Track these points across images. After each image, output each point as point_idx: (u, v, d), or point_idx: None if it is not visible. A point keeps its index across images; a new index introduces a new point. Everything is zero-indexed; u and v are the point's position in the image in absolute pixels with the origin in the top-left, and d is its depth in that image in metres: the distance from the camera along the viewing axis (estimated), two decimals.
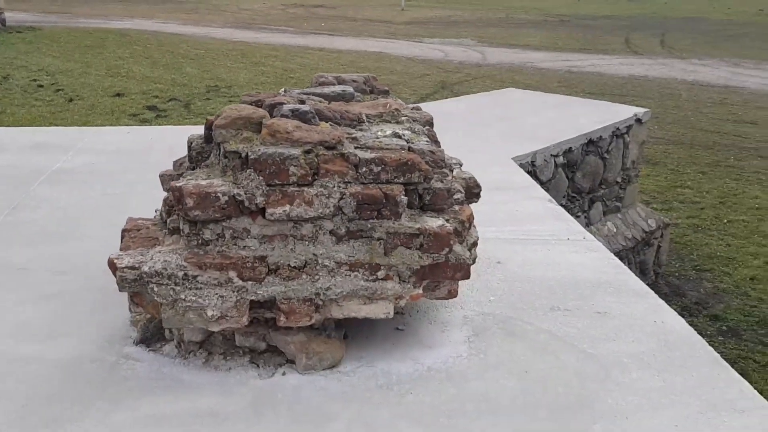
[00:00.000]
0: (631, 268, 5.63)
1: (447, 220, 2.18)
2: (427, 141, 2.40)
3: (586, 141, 5.29)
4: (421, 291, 2.12)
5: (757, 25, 29.64)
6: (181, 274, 1.97)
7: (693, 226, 7.12)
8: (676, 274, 6.09)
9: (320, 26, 25.66)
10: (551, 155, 4.94)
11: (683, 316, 5.34)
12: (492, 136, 5.10)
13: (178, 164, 2.62)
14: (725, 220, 7.27)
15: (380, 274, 2.05)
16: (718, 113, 12.53)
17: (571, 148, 5.13)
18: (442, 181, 2.24)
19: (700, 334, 5.01)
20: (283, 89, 2.66)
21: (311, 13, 31.12)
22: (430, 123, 2.66)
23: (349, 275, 2.03)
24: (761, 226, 7.09)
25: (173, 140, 4.25)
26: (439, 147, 2.43)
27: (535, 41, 23.04)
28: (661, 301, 2.60)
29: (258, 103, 2.35)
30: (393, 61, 17.75)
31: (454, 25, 27.46)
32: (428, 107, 6.70)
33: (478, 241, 2.47)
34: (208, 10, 30.06)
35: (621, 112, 5.88)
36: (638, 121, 5.83)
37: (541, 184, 4.74)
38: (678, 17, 32.46)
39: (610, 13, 34.15)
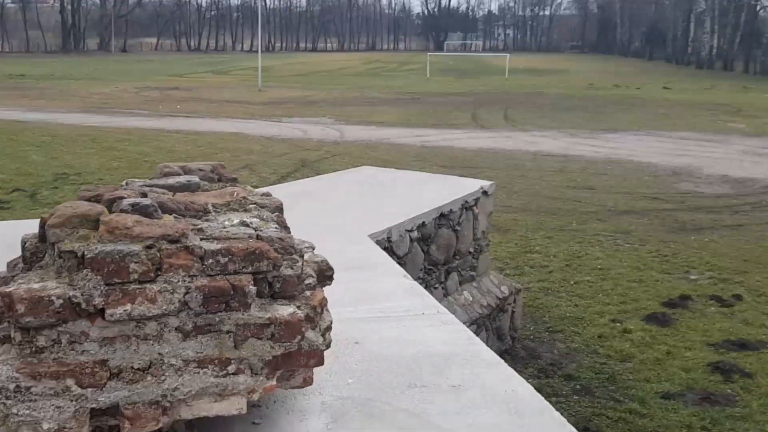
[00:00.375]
0: (489, 335, 5.85)
1: (298, 307, 2.18)
2: (276, 228, 2.41)
3: (438, 215, 5.50)
4: (274, 382, 2.09)
5: (588, 98, 32.49)
6: (12, 386, 1.83)
7: (543, 289, 7.51)
8: (531, 337, 6.37)
9: (176, 108, 25.39)
10: (406, 230, 5.09)
11: (540, 378, 5.59)
12: (349, 214, 5.19)
13: (12, 265, 2.47)
14: (572, 282, 7.74)
15: (231, 368, 2.00)
16: (560, 181, 13.49)
17: (424, 222, 5.32)
18: (292, 268, 2.25)
19: (555, 394, 5.23)
20: (124, 182, 2.60)
21: (166, 95, 30.76)
22: (279, 209, 2.68)
23: (198, 372, 1.97)
24: (604, 285, 7.61)
25: (17, 235, 3.99)
26: (289, 233, 2.45)
27: (390, 118, 23.98)
28: (511, 370, 2.70)
29: (96, 198, 2.28)
30: (252, 141, 17.82)
31: (312, 105, 28.08)
32: (288, 187, 6.75)
33: (336, 323, 2.49)
34: (54, 96, 28.96)
35: (468, 186, 6.19)
36: (485, 193, 6.16)
37: (398, 259, 4.86)
38: (518, 93, 34.98)
39: (456, 90, 36.24)
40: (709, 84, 44.17)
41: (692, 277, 7.93)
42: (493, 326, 5.91)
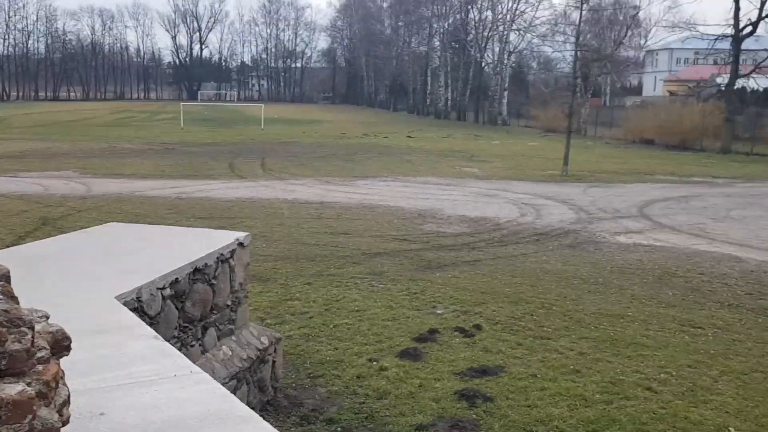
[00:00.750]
0: (250, 388, 5.81)
1: (29, 384, 2.03)
2: (1, 299, 2.22)
3: (192, 270, 5.38)
4: None
5: (341, 146, 33.99)
6: None
7: (304, 335, 7.64)
8: (293, 385, 6.43)
9: None
10: (157, 288, 4.91)
11: (302, 425, 5.66)
12: (95, 275, 4.90)
13: None
14: (331, 326, 7.96)
15: None
16: (317, 227, 13.89)
17: (177, 278, 5.17)
18: (20, 342, 2.09)
19: None
20: None
21: None
22: (5, 277, 2.47)
23: None
24: (361, 326, 7.93)
25: None
26: (17, 303, 2.27)
27: (142, 170, 23.07)
28: (265, 424, 2.72)
29: None
30: None
31: (54, 158, 26.13)
32: (26, 249, 6.19)
33: (79, 395, 2.34)
34: None
35: (223, 238, 6.15)
36: (240, 245, 6.16)
37: (150, 319, 4.67)
38: (274, 142, 35.59)
39: (212, 140, 35.93)
40: (446, 133, 48.49)
41: (438, 311, 8.57)
42: (254, 379, 5.87)
